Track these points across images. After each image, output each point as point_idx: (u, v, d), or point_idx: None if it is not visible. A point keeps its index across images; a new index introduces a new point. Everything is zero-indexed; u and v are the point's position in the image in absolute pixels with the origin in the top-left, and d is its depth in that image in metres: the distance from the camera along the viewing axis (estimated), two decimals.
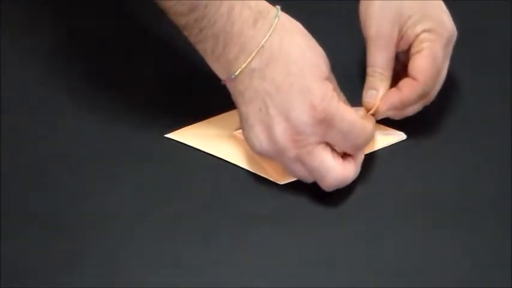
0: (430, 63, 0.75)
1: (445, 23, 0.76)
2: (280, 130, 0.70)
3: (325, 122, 0.70)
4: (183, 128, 0.79)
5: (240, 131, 0.74)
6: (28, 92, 0.84)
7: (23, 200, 0.75)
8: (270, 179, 0.75)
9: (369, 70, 0.77)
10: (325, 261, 0.70)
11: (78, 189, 0.76)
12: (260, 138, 0.71)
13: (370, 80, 0.77)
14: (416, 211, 0.73)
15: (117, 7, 0.92)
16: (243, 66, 0.70)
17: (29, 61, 0.87)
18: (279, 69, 0.70)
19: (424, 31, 0.76)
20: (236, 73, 0.71)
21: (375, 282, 0.68)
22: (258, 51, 0.70)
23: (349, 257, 0.70)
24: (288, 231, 0.72)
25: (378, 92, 0.76)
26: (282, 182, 0.74)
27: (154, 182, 0.75)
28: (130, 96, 0.83)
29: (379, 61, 0.76)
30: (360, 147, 0.72)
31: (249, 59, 0.70)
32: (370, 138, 0.73)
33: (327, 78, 0.71)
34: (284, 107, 0.70)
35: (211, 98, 0.78)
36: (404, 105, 0.76)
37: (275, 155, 0.72)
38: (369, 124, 0.73)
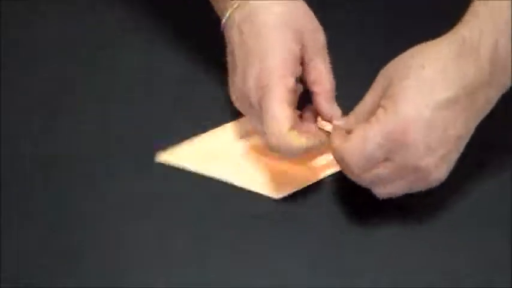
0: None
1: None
2: (235, 83, 0.73)
3: (261, 92, 0.70)
4: (174, 148, 0.77)
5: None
6: (28, 92, 0.84)
7: (23, 200, 0.75)
8: (266, 194, 0.74)
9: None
10: (325, 261, 0.70)
11: (78, 189, 0.75)
12: (231, 86, 0.74)
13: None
14: (416, 211, 0.73)
15: (117, 6, 0.92)
16: (228, 13, 0.72)
17: (29, 61, 0.87)
18: (251, 31, 0.71)
19: None
20: (224, 18, 0.73)
21: (375, 282, 0.68)
22: (239, 5, 0.72)
23: (349, 256, 0.70)
24: (288, 231, 0.72)
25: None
26: (277, 196, 0.74)
27: (154, 182, 0.75)
28: (130, 95, 0.83)
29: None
30: (269, 143, 0.70)
31: (232, 9, 0.72)
32: (280, 147, 0.70)
33: (303, 56, 0.72)
34: (243, 64, 0.71)
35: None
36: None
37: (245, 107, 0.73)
38: (295, 139, 0.69)
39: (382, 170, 0.68)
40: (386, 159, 0.67)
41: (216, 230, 0.72)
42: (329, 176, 0.75)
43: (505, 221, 0.72)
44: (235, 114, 0.78)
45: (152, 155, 0.78)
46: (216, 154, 0.77)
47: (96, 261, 0.70)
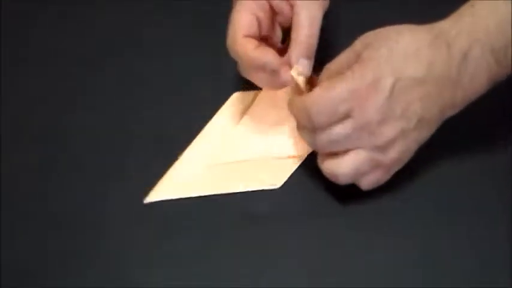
0: None
1: None
2: None
3: None
4: (157, 186, 0.75)
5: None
6: (28, 92, 0.84)
7: (23, 200, 0.75)
8: (267, 187, 0.74)
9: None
10: (325, 261, 0.70)
11: (78, 189, 0.76)
12: None
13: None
14: (416, 211, 0.73)
15: (117, 6, 0.92)
16: None
17: (29, 61, 0.87)
18: None
19: None
20: None
21: (375, 283, 0.68)
22: None
23: (349, 256, 0.70)
24: (288, 231, 0.72)
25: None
26: (278, 186, 0.74)
27: (154, 182, 0.75)
28: (130, 95, 0.83)
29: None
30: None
31: None
32: (230, 50, 0.74)
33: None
34: None
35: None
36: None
37: None
38: (245, 46, 0.73)
39: (341, 128, 0.68)
40: (346, 117, 0.68)
41: (215, 230, 0.72)
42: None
43: (505, 221, 0.71)
44: None
45: (152, 155, 0.78)
46: (201, 173, 0.76)
47: (96, 261, 0.70)
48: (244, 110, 0.79)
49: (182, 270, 0.70)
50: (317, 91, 0.69)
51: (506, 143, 0.76)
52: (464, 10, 0.69)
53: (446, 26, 0.69)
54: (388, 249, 0.70)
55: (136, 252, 0.71)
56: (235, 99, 0.80)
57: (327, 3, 0.77)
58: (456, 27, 0.69)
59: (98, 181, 0.76)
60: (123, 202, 0.74)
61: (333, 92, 0.68)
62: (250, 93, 0.80)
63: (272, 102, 0.78)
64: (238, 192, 0.74)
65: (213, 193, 0.74)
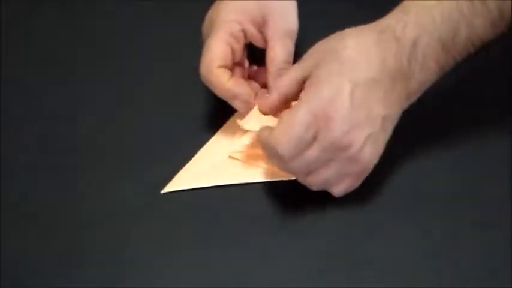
0: None
1: None
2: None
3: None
4: (176, 176, 0.76)
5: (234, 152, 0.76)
6: (28, 92, 0.84)
7: (23, 200, 0.75)
8: (285, 178, 0.74)
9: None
10: (325, 261, 0.70)
11: (78, 189, 0.76)
12: None
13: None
14: (415, 211, 0.73)
15: (117, 6, 0.92)
16: None
17: (29, 61, 0.87)
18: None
19: None
20: None
21: (374, 283, 0.68)
22: None
23: (349, 257, 0.70)
24: (287, 232, 0.72)
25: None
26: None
27: (154, 182, 0.75)
28: (130, 94, 0.83)
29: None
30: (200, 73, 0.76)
31: None
32: (205, 78, 0.75)
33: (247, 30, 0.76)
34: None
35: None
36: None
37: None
38: (221, 76, 0.74)
39: (311, 152, 0.68)
40: (313, 141, 0.68)
41: (216, 230, 0.72)
42: None
43: (505, 220, 0.71)
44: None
45: (152, 155, 0.78)
46: (216, 165, 0.77)
47: (96, 261, 0.70)
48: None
49: (182, 271, 0.70)
50: (279, 127, 0.69)
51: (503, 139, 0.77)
52: (407, 4, 0.70)
53: (392, 21, 0.69)
54: (387, 250, 0.70)
55: (136, 252, 0.71)
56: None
57: (295, 32, 0.78)
58: (403, 21, 0.69)
59: (97, 181, 0.76)
60: (123, 202, 0.74)
61: (294, 123, 0.68)
62: None
63: None
64: (238, 192, 0.75)
65: (230, 183, 0.75)
